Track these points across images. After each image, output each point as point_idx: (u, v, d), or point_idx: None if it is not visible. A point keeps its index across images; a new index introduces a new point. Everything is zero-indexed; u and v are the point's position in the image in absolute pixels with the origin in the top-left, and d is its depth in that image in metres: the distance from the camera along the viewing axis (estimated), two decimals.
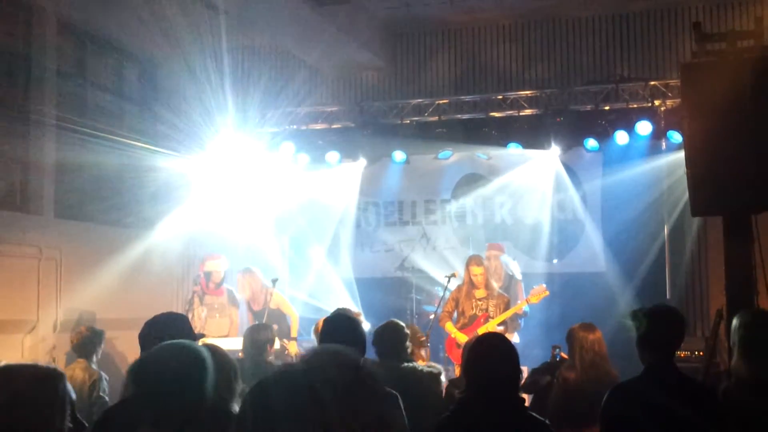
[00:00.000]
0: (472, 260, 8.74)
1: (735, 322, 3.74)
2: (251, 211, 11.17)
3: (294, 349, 8.53)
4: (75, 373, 6.70)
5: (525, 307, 9.23)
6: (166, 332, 3.49)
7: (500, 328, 8.29)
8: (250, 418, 2.29)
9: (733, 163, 5.19)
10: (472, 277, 8.61)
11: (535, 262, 10.44)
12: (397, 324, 5.53)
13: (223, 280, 9.13)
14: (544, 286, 8.88)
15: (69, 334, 7.60)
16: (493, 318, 8.50)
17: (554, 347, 6.31)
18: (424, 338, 6.98)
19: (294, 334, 8.79)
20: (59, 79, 9.19)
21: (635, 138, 9.63)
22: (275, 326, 7.04)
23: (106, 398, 6.72)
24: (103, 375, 6.98)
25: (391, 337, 5.27)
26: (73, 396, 2.71)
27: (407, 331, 5.49)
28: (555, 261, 10.58)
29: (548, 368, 6.16)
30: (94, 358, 7.00)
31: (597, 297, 9.49)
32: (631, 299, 8.80)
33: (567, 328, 5.76)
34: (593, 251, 10.46)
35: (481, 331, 8.16)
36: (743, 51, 5.71)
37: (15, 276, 8.24)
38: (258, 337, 6.18)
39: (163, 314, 3.58)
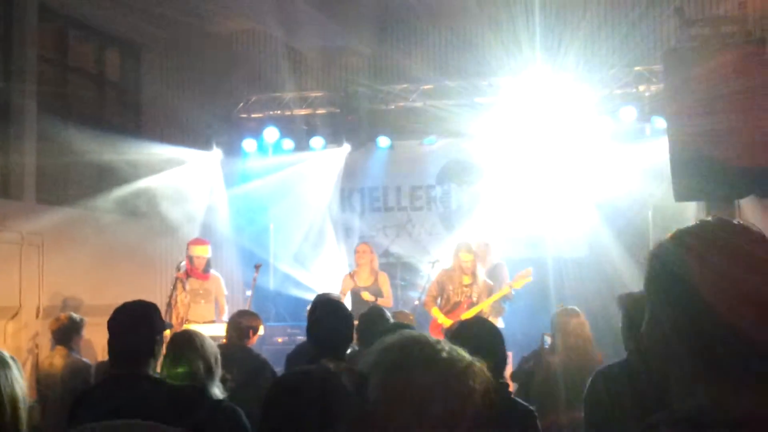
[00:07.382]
0: (462, 247, 8.62)
1: None
2: (236, 198, 11.14)
3: None
4: (55, 361, 6.59)
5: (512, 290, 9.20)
6: (133, 320, 3.47)
7: None
8: None
9: (715, 149, 5.21)
10: (462, 264, 8.52)
11: (519, 247, 10.44)
12: (378, 308, 5.49)
13: (208, 264, 9.02)
14: (531, 270, 8.84)
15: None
16: (476, 304, 8.49)
17: (544, 335, 6.31)
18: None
19: None
20: (40, 64, 9.10)
21: (618, 123, 9.66)
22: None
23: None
24: (89, 362, 6.85)
25: (373, 323, 5.20)
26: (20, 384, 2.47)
27: (389, 316, 5.42)
28: (539, 246, 10.58)
29: (534, 355, 6.19)
30: (74, 346, 6.80)
31: (582, 282, 9.52)
32: (617, 284, 8.81)
33: (550, 314, 5.78)
34: (577, 235, 10.47)
35: (464, 317, 8.15)
36: (726, 36, 5.73)
37: None
38: (241, 323, 6.15)
39: (131, 302, 3.54)
